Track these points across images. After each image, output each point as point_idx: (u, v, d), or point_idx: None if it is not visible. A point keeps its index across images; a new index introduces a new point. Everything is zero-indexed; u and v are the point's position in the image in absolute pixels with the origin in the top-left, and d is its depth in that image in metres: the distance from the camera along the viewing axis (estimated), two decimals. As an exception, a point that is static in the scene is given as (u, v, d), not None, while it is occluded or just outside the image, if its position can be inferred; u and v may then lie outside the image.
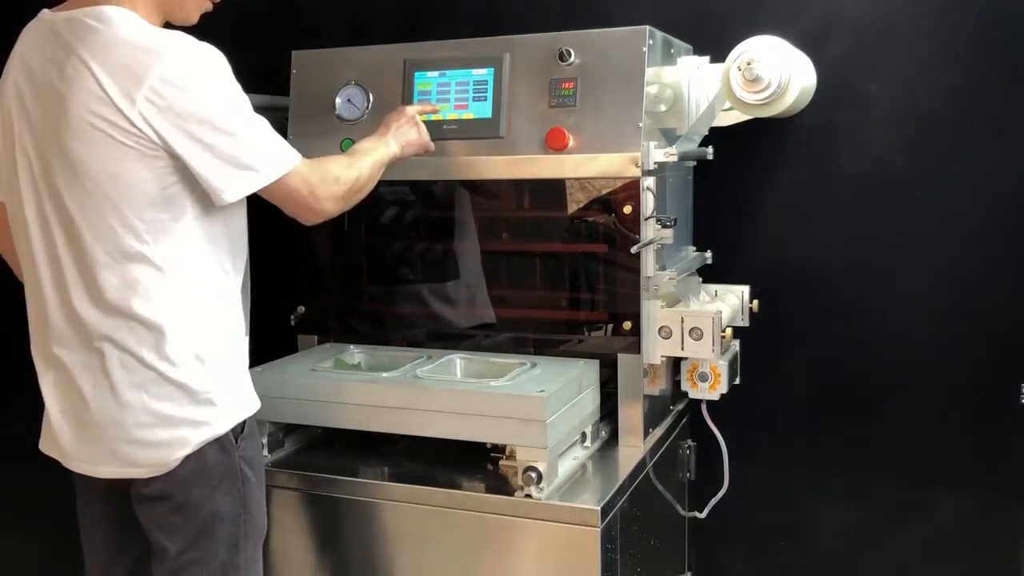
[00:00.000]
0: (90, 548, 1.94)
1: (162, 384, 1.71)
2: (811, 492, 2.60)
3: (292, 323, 2.49)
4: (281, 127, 2.54)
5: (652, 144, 2.14)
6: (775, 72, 2.12)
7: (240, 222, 1.85)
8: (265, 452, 2.17)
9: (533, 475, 1.92)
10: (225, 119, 1.68)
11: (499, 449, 2.16)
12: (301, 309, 2.47)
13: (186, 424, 1.72)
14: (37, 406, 1.83)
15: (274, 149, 1.76)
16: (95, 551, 1.93)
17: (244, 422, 1.81)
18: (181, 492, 1.74)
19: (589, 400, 2.16)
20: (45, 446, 1.85)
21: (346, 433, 2.19)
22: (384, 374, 2.18)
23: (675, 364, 2.41)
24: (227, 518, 1.77)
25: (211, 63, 1.70)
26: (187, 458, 1.72)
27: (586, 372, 2.15)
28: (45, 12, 1.79)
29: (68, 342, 1.74)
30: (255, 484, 1.84)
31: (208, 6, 1.93)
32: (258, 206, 2.84)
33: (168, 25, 1.81)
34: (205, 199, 1.72)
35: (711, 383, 2.34)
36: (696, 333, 2.18)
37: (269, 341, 2.57)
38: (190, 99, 1.64)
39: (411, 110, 2.16)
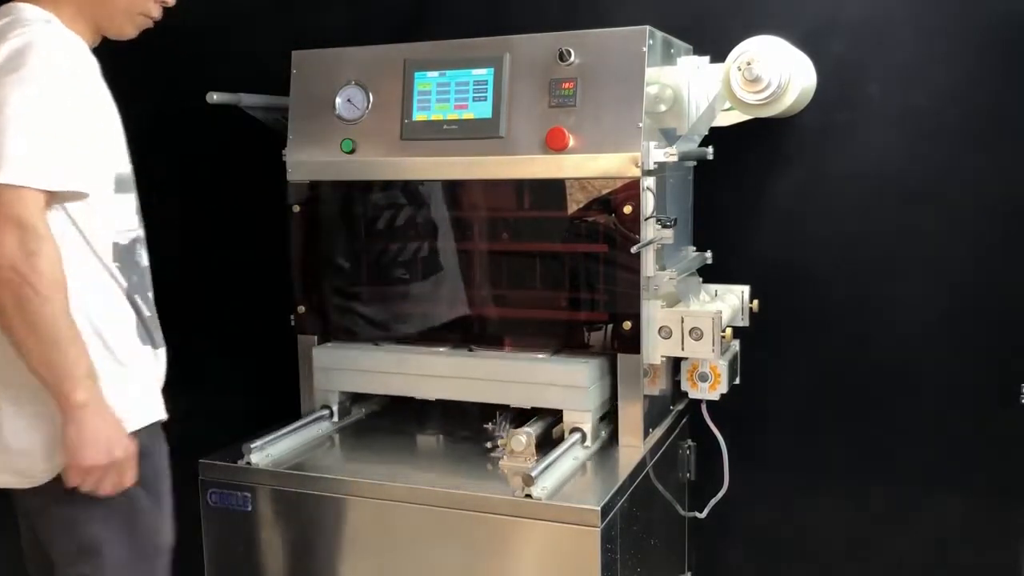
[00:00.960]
0: (25, 555, 1.95)
1: (34, 392, 1.66)
2: (811, 492, 2.60)
3: (292, 323, 2.49)
4: (281, 127, 2.55)
5: (652, 144, 2.14)
6: (775, 72, 2.12)
7: (106, 223, 1.77)
8: (335, 419, 2.40)
9: (578, 435, 2.15)
10: (24, 104, 1.57)
11: (499, 448, 2.17)
12: (301, 309, 2.47)
13: (58, 436, 1.66)
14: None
15: (39, 162, 1.57)
16: (27, 559, 1.94)
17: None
18: (59, 507, 1.71)
19: (608, 383, 2.25)
20: None
21: (402, 407, 2.43)
22: (441, 347, 2.34)
23: (675, 364, 2.41)
24: (111, 537, 1.73)
25: (55, 53, 1.63)
26: None
27: (603, 361, 2.24)
28: None
29: None
30: (146, 502, 1.79)
31: (147, 22, 1.90)
32: (258, 207, 2.85)
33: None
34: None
35: (711, 383, 2.34)
36: (696, 333, 2.18)
37: (269, 341, 2.57)
38: (12, 75, 1.57)
39: (129, 467, 1.75)
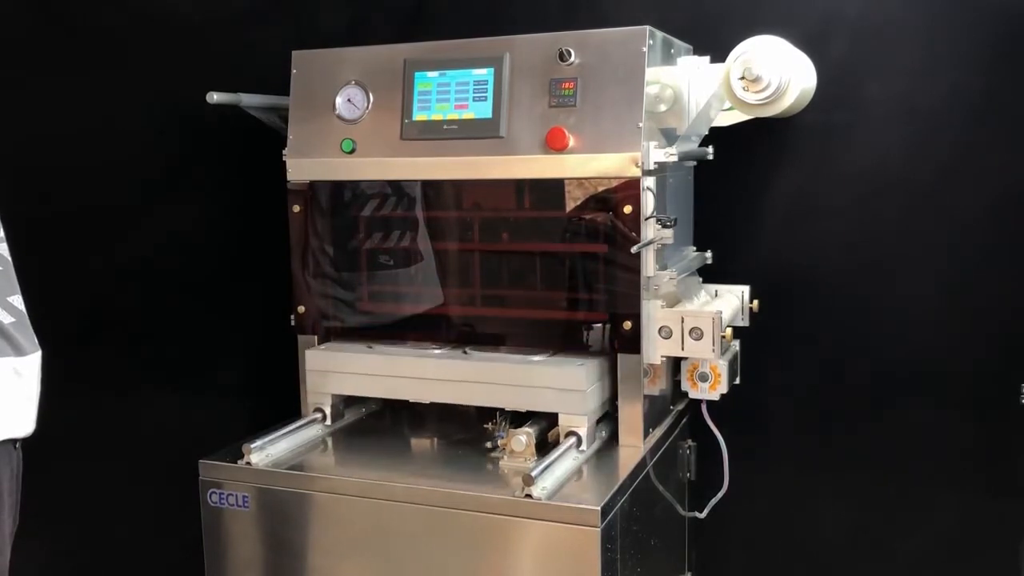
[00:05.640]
0: None
1: None
2: (811, 492, 2.60)
3: (292, 323, 2.49)
4: (280, 127, 2.55)
5: (652, 144, 2.14)
6: (775, 72, 2.12)
7: None
8: (328, 422, 2.38)
9: (573, 439, 2.13)
10: None
11: (499, 448, 2.17)
12: (301, 309, 2.47)
13: None
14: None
15: None
16: None
17: None
18: None
19: (608, 383, 2.25)
20: None
21: (397, 409, 2.44)
22: (436, 350, 2.33)
23: (675, 364, 2.41)
24: None
25: None
26: None
27: (602, 361, 2.24)
28: None
29: None
30: None
31: None
32: (258, 207, 2.85)
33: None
34: None
35: (711, 383, 2.34)
36: (696, 333, 2.18)
37: (269, 341, 2.57)
38: None
39: None
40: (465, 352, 2.30)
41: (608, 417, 2.28)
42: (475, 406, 2.32)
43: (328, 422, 2.38)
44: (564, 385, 2.15)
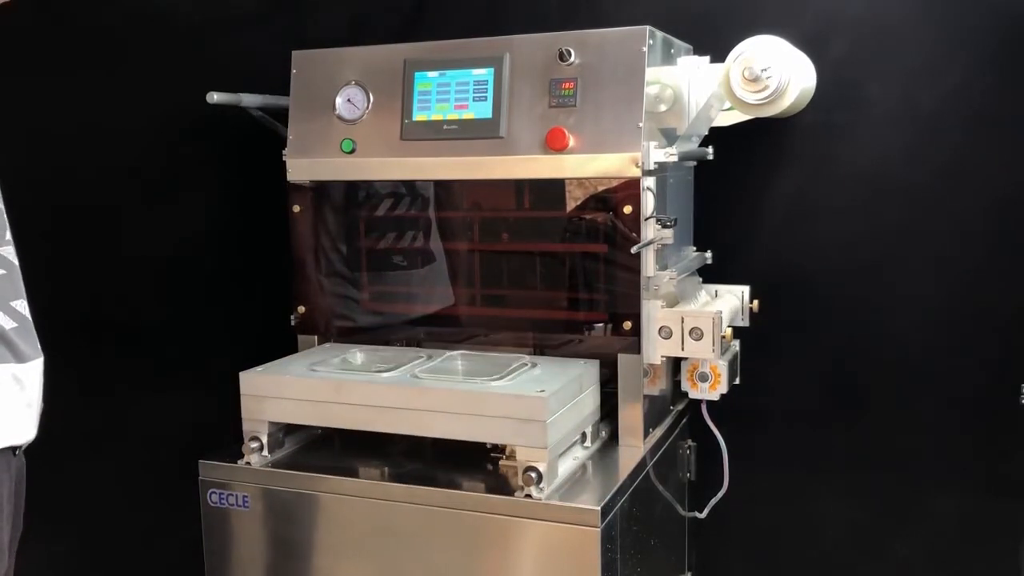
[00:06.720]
0: None
1: None
2: (811, 492, 2.60)
3: (292, 323, 2.49)
4: (275, 127, 2.55)
5: (652, 144, 2.14)
6: (775, 72, 2.12)
7: None
8: (265, 452, 2.18)
9: (533, 475, 1.92)
10: None
11: (499, 449, 2.16)
12: (301, 309, 2.47)
13: None
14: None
15: None
16: None
17: None
18: None
19: (589, 400, 2.16)
20: None
21: (346, 433, 2.19)
22: (384, 374, 2.16)
23: (675, 364, 2.41)
24: None
25: None
26: None
27: (586, 372, 2.15)
28: None
29: None
30: None
31: None
32: (259, 207, 2.85)
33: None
34: None
35: (711, 383, 2.34)
36: (696, 333, 2.18)
37: (269, 341, 2.57)
38: None
39: None
40: (415, 376, 2.12)
41: (608, 417, 2.27)
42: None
43: (266, 452, 2.19)
44: (521, 415, 1.93)
